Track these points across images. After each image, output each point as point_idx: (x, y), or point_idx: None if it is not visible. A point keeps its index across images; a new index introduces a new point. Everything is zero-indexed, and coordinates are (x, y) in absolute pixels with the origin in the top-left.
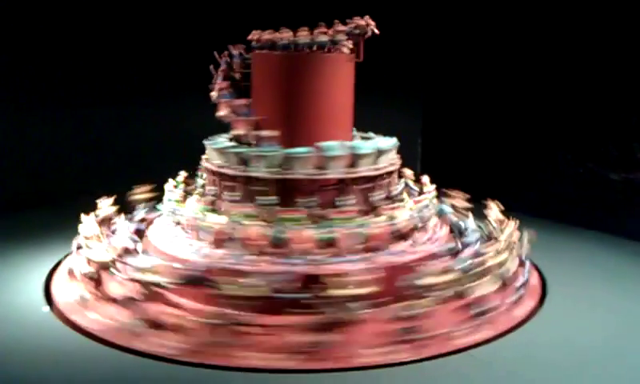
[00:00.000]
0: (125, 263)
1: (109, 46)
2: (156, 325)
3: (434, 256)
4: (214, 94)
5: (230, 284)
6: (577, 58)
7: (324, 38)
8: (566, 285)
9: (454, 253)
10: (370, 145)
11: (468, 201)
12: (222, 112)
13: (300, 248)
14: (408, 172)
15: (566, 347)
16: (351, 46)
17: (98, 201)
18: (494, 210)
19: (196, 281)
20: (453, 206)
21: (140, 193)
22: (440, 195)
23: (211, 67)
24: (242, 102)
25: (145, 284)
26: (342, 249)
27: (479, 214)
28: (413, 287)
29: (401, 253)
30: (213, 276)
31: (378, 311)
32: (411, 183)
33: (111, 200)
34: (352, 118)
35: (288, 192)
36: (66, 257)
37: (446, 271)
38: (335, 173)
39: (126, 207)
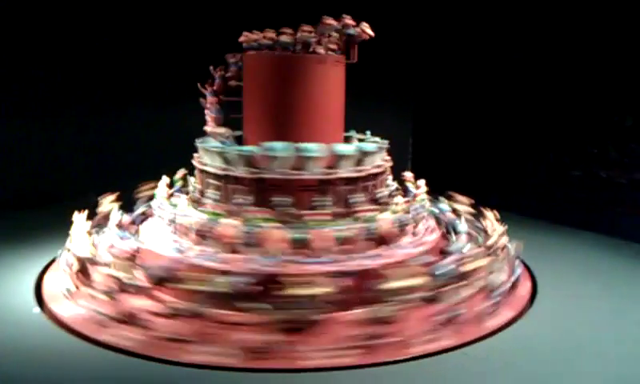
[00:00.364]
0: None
1: (106, 49)
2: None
3: (401, 262)
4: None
5: (189, 281)
6: (567, 59)
7: (287, 39)
8: (558, 284)
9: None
10: (353, 146)
11: (472, 206)
12: (209, 128)
13: (274, 247)
14: (408, 175)
15: (556, 347)
16: (333, 47)
17: (99, 198)
18: (488, 217)
19: (159, 278)
20: (454, 211)
21: (145, 189)
22: (445, 198)
23: (211, 68)
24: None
25: (114, 278)
26: (316, 250)
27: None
28: (379, 291)
29: (373, 257)
30: (179, 272)
31: (342, 314)
32: (411, 186)
33: (113, 197)
34: (343, 119)
35: (264, 191)
36: (54, 261)
37: (414, 275)
38: (313, 173)
39: (126, 205)
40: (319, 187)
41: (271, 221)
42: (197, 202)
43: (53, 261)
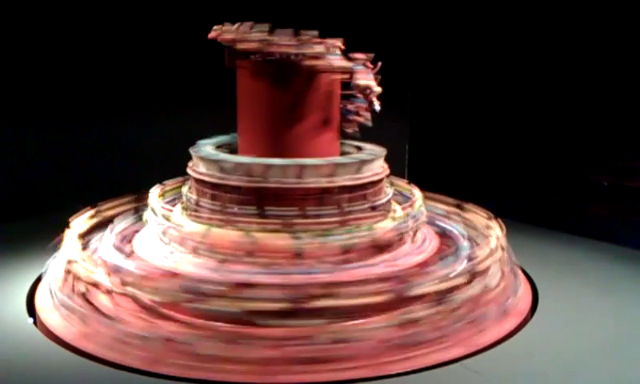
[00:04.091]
0: (118, 278)
1: (95, 57)
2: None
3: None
4: None
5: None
6: (564, 63)
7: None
8: (558, 292)
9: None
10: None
11: (456, 206)
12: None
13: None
14: (402, 181)
15: (559, 356)
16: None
17: (70, 219)
18: (479, 215)
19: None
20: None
21: (115, 206)
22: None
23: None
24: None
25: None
26: (315, 260)
27: (464, 218)
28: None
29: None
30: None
31: (375, 320)
32: (407, 193)
33: (87, 214)
34: (339, 128)
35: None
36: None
37: (443, 280)
38: (311, 183)
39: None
40: (317, 196)
41: (268, 231)
42: (192, 212)
43: (42, 275)
